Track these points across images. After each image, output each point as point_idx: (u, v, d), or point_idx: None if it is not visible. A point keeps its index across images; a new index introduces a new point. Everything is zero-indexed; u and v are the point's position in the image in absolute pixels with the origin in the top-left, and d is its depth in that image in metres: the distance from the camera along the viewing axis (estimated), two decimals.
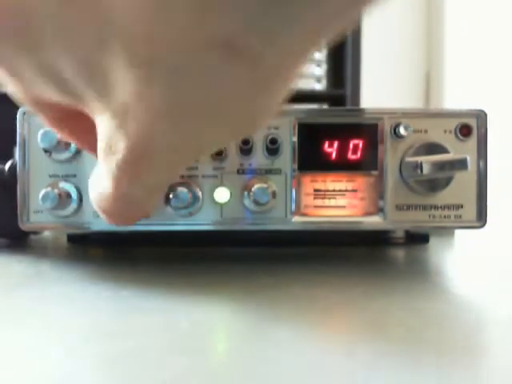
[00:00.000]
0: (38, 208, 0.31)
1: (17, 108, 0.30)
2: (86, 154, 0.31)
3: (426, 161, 0.30)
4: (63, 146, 0.31)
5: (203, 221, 0.31)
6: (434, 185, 0.31)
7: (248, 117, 0.20)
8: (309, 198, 0.32)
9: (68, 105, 0.21)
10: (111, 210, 0.22)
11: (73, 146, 0.31)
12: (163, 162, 0.21)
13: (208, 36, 0.17)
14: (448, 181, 0.32)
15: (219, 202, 0.31)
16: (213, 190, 0.31)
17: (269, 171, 0.32)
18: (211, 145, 0.22)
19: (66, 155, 0.31)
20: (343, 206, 0.32)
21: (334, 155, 0.32)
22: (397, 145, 0.32)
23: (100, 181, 0.21)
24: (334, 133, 0.32)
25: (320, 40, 0.19)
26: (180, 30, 0.17)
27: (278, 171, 0.32)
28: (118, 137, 0.20)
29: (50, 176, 0.31)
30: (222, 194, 0.31)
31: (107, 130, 0.20)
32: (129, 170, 0.20)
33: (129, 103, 0.19)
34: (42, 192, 0.30)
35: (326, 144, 0.32)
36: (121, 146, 0.20)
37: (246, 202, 0.31)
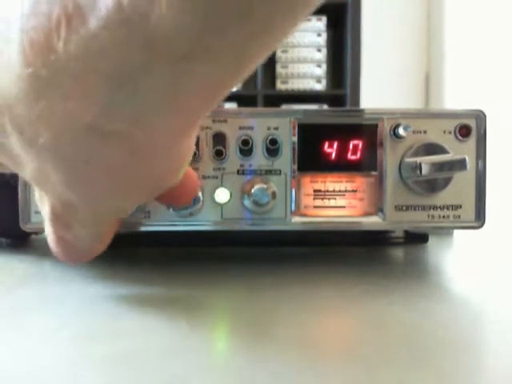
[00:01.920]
0: (39, 209, 0.31)
1: None
2: None
3: (426, 161, 0.30)
4: None
5: (203, 221, 0.31)
6: (433, 185, 0.32)
7: (141, 185, 0.22)
8: (308, 199, 0.32)
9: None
10: (55, 251, 0.25)
11: None
12: (80, 221, 0.23)
13: (80, 122, 0.18)
14: (447, 181, 0.32)
15: (219, 203, 0.31)
16: (213, 191, 0.31)
17: (269, 172, 0.32)
18: (119, 206, 0.23)
19: None
20: (343, 207, 0.32)
21: (333, 156, 0.32)
22: (396, 145, 0.32)
23: (46, 225, 0.24)
24: (334, 133, 0.32)
25: (194, 117, 0.20)
26: (53, 112, 0.18)
27: (277, 172, 0.32)
28: (42, 195, 0.23)
29: None
30: (222, 195, 0.31)
31: (35, 189, 0.23)
32: (53, 225, 0.23)
33: (34, 174, 0.21)
34: None
35: (326, 144, 0.32)
36: (45, 204, 0.23)
37: (246, 202, 0.31)
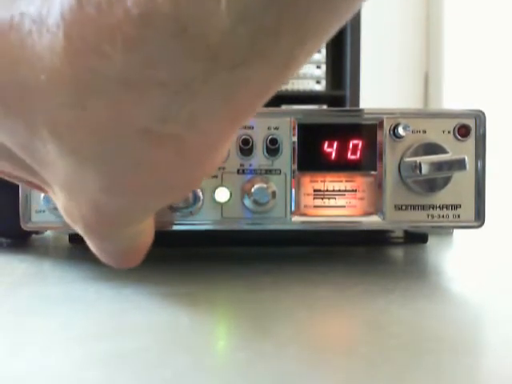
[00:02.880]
0: (39, 208, 0.31)
1: None
2: None
3: (425, 161, 0.30)
4: None
5: (203, 220, 0.31)
6: (433, 185, 0.32)
7: (182, 185, 0.22)
8: (308, 198, 0.32)
9: (25, 178, 0.23)
10: (105, 260, 0.24)
11: None
12: (115, 225, 0.22)
13: (131, 128, 0.18)
14: (446, 181, 0.32)
15: (219, 202, 0.31)
16: (213, 190, 0.31)
17: (269, 171, 0.32)
18: (154, 205, 0.23)
19: None
20: (342, 206, 0.32)
21: (333, 155, 0.32)
22: (396, 145, 0.32)
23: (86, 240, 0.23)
24: (334, 133, 0.32)
25: (243, 118, 0.20)
26: (100, 118, 0.18)
27: (277, 171, 0.32)
28: (72, 206, 0.21)
29: None
30: (222, 194, 0.31)
31: (61, 200, 0.22)
32: (89, 235, 0.22)
33: (69, 180, 0.20)
34: None
35: (326, 144, 0.32)
36: (76, 215, 0.21)
37: (246, 201, 0.31)
